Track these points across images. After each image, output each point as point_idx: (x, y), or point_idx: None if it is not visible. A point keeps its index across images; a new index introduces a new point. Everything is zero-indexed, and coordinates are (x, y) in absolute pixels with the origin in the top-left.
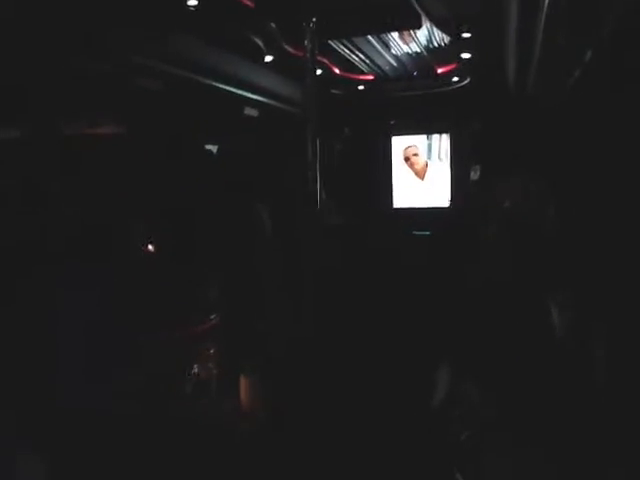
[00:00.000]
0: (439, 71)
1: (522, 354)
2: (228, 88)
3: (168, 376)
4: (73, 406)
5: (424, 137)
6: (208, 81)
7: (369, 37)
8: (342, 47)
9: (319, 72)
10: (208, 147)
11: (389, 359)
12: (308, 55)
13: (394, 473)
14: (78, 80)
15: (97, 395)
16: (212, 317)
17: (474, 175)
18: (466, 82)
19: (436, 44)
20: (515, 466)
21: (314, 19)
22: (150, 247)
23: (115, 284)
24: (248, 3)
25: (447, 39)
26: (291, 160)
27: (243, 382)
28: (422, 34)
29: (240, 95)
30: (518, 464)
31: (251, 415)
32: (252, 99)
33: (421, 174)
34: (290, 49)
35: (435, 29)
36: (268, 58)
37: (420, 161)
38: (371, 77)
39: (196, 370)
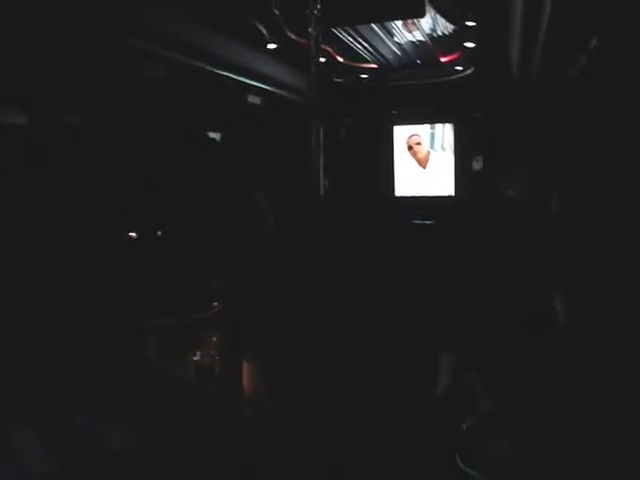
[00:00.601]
0: (443, 60)
1: (525, 342)
2: (231, 75)
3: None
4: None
5: (427, 126)
6: (211, 68)
7: (373, 25)
8: (346, 35)
9: (322, 60)
10: (212, 135)
11: (393, 348)
12: (312, 43)
13: (397, 459)
14: (77, 66)
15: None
16: (215, 304)
17: (477, 165)
18: (470, 71)
19: (440, 33)
20: (517, 453)
21: (319, 6)
22: (152, 235)
23: (117, 274)
24: None
25: (451, 28)
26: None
27: (246, 369)
28: (426, 22)
29: (243, 82)
30: (520, 452)
31: (254, 401)
32: (255, 86)
33: (423, 163)
34: (294, 36)
35: (439, 17)
36: (271, 46)
37: (423, 150)
38: (374, 66)
39: (199, 357)
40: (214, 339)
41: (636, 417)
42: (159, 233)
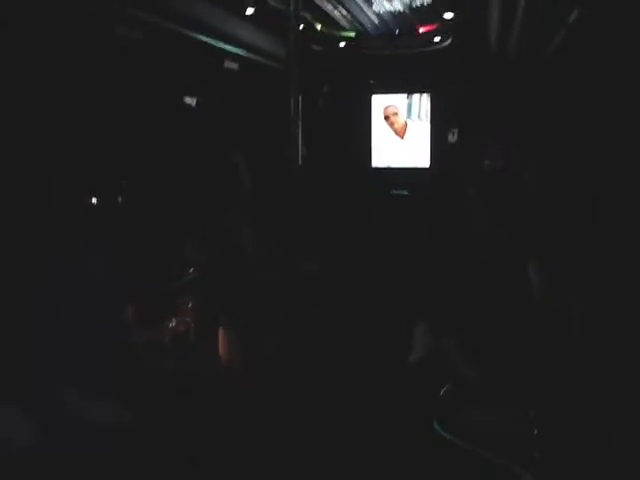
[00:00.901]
0: (421, 31)
1: (500, 311)
2: (208, 40)
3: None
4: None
5: (404, 96)
6: (187, 32)
7: None
8: (325, 2)
9: (301, 27)
10: (187, 100)
11: (369, 316)
12: (292, 9)
13: (374, 426)
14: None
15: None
16: (190, 271)
17: (452, 137)
18: (448, 42)
19: (419, 3)
20: (493, 417)
21: None
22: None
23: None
24: None
25: None
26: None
27: (221, 335)
28: None
29: (220, 48)
30: (496, 416)
31: (229, 368)
32: (232, 52)
33: (400, 133)
34: (273, 2)
35: None
36: (250, 11)
37: (400, 120)
38: (353, 34)
39: (174, 324)
40: (189, 305)
41: (610, 385)
42: (120, 199)
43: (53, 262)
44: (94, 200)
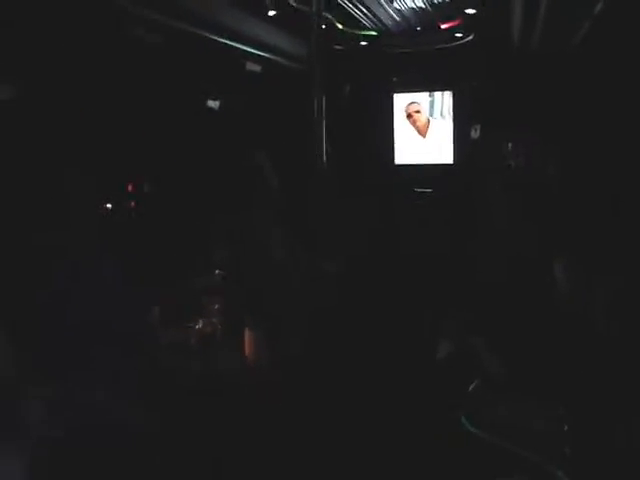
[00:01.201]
0: (443, 27)
1: (526, 307)
2: (229, 42)
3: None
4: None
5: (426, 94)
6: (209, 35)
7: None
8: (346, 1)
9: (323, 27)
10: (210, 104)
11: (396, 313)
12: (314, 9)
13: (403, 421)
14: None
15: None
16: (216, 272)
17: (474, 134)
18: (470, 38)
19: None
20: (521, 413)
21: None
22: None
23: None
24: None
25: None
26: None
27: (247, 336)
28: None
29: (242, 50)
30: (525, 412)
31: (256, 368)
32: (254, 54)
33: (423, 131)
34: (294, 3)
35: None
36: (272, 12)
37: (422, 118)
38: (374, 33)
39: (201, 325)
40: (216, 306)
41: (634, 381)
42: (144, 202)
43: (65, 266)
44: (110, 205)
